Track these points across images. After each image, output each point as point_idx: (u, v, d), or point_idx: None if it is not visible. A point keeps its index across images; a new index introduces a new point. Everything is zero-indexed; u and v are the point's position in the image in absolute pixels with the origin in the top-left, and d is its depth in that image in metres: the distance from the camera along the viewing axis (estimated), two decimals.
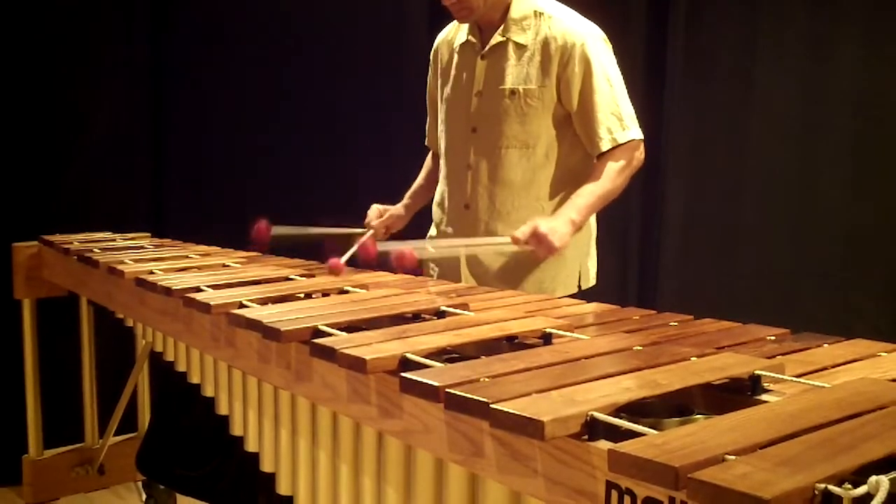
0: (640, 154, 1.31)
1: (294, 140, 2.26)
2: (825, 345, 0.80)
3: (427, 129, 1.53)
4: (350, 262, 1.30)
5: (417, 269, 1.21)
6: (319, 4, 2.25)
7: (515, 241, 1.21)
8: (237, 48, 2.24)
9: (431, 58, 1.47)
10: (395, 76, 2.24)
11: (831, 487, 0.45)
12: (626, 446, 0.51)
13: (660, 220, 2.03)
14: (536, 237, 1.20)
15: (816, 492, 0.45)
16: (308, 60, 2.25)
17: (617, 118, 1.28)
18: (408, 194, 1.53)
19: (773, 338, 0.83)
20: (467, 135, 1.36)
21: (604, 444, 0.55)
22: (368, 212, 1.48)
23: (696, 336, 0.84)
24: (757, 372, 0.67)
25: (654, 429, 0.55)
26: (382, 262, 1.26)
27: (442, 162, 1.44)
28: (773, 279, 1.87)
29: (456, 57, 1.38)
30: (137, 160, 2.21)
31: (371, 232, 1.43)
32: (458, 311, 0.94)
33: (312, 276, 1.22)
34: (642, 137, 1.31)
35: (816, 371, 0.71)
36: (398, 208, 1.51)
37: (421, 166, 1.57)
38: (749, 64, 1.88)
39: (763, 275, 1.89)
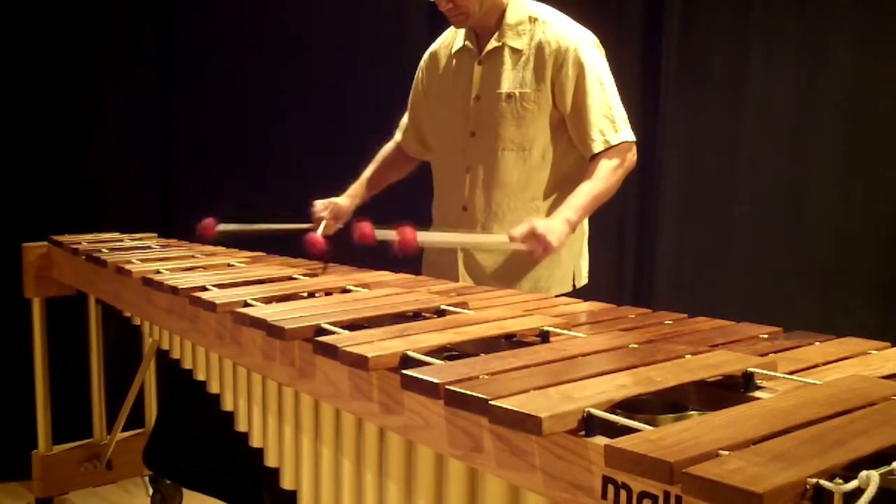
0: (632, 156, 1.32)
1: (298, 142, 2.28)
2: (816, 343, 0.81)
3: (404, 126, 1.52)
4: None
5: (416, 248, 1.19)
6: (323, 9, 2.26)
7: (512, 239, 1.22)
8: (243, 53, 2.26)
9: (427, 61, 1.47)
10: (395, 79, 2.25)
11: (823, 482, 0.45)
12: (622, 442, 0.52)
13: (655, 220, 2.04)
14: (534, 236, 1.21)
15: (808, 486, 0.46)
16: (312, 64, 2.27)
17: (609, 120, 1.29)
18: (356, 184, 1.51)
19: (765, 336, 0.84)
20: (466, 138, 1.37)
21: (600, 440, 0.56)
22: (314, 205, 1.45)
23: (690, 334, 0.84)
24: (750, 369, 0.68)
25: (650, 425, 0.56)
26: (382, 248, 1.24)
27: (436, 165, 1.45)
28: (765, 279, 1.89)
29: (454, 62, 1.40)
30: (145, 162, 2.22)
31: (324, 224, 1.40)
32: (457, 309, 0.95)
33: (315, 275, 1.23)
34: (634, 140, 1.32)
35: (808, 368, 0.72)
36: (342, 199, 1.48)
37: (420, 171, 1.57)
38: (742, 68, 1.91)
39: (756, 274, 1.91)
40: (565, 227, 1.24)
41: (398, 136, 1.55)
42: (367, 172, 1.54)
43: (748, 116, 1.92)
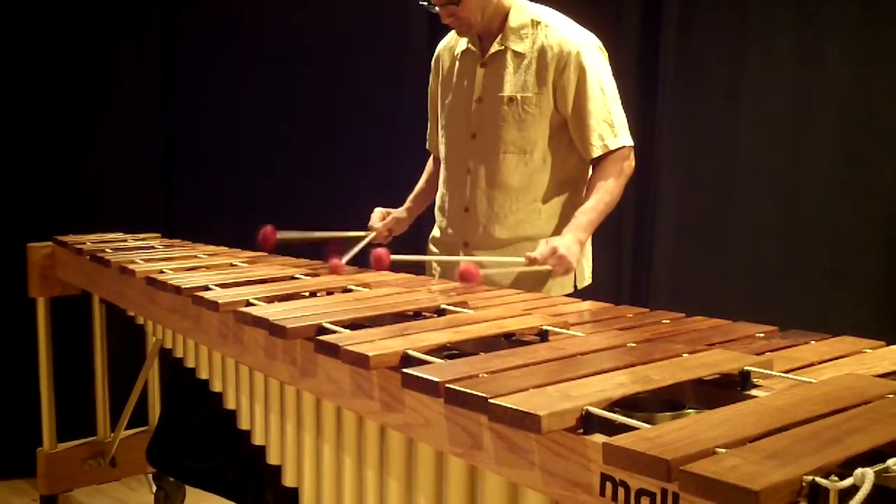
0: (630, 162, 1.34)
1: (300, 144, 2.30)
2: (812, 342, 0.81)
3: (428, 133, 1.55)
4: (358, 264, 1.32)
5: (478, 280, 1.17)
6: (326, 14, 2.27)
7: (532, 260, 1.22)
8: (247, 54, 2.28)
9: (433, 65, 1.49)
10: (396, 84, 2.27)
11: (818, 479, 0.46)
12: (620, 440, 0.53)
13: (653, 221, 2.05)
14: (557, 257, 1.22)
15: (804, 484, 0.46)
16: (315, 66, 2.28)
17: (609, 125, 1.31)
18: (410, 197, 1.55)
19: (761, 335, 0.84)
20: (467, 140, 1.38)
21: (598, 438, 0.57)
22: (372, 215, 1.50)
23: (687, 333, 0.85)
24: (746, 368, 0.68)
25: (647, 423, 0.56)
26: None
27: (443, 166, 1.46)
28: (762, 278, 1.90)
29: (457, 64, 1.41)
30: (148, 163, 2.24)
31: (373, 234, 1.45)
32: (457, 309, 0.96)
33: (317, 275, 1.24)
34: (632, 145, 1.33)
35: (804, 367, 0.72)
36: (400, 211, 1.52)
37: (421, 171, 1.59)
38: (739, 71, 1.92)
39: (752, 274, 1.91)
40: (577, 247, 1.26)
41: (427, 143, 1.56)
42: (418, 186, 1.56)
43: (745, 117, 1.93)
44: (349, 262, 1.31)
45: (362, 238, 1.43)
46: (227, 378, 1.12)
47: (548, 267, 1.23)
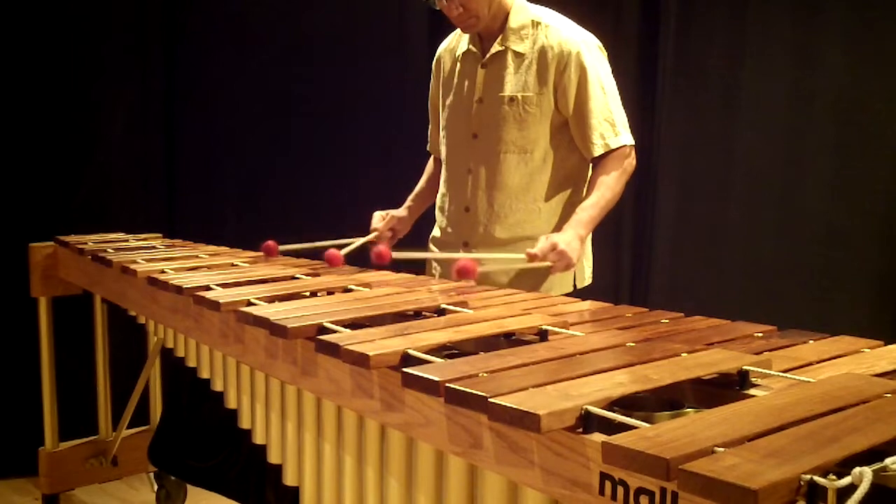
0: (631, 160, 1.34)
1: (300, 144, 2.31)
2: (810, 341, 0.81)
3: (429, 134, 1.55)
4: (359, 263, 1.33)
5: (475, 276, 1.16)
6: (326, 15, 2.27)
7: (532, 257, 1.21)
8: (247, 56, 2.28)
9: (434, 66, 1.50)
10: (396, 84, 2.27)
11: (817, 478, 0.46)
12: (619, 439, 0.53)
13: (651, 221, 2.06)
14: (557, 253, 1.22)
15: (802, 482, 0.46)
16: (313, 69, 2.29)
17: (610, 124, 1.31)
18: (410, 198, 1.55)
19: (760, 334, 0.85)
20: (468, 140, 1.38)
21: (598, 437, 0.57)
22: (372, 218, 1.50)
23: (686, 333, 0.85)
24: (745, 367, 0.69)
25: (647, 422, 0.57)
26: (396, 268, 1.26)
27: (443, 166, 1.46)
28: (760, 278, 1.90)
29: (458, 65, 1.41)
30: (150, 164, 2.25)
31: (375, 234, 1.46)
32: (457, 308, 0.96)
33: (317, 275, 1.24)
34: (633, 143, 1.34)
35: (802, 366, 0.72)
36: (401, 211, 1.53)
37: (421, 172, 1.59)
38: (737, 71, 1.92)
39: (751, 274, 1.92)
40: (578, 243, 1.26)
41: (428, 145, 1.56)
42: (418, 186, 1.56)
43: (743, 118, 1.94)
44: (347, 258, 1.31)
45: (367, 241, 1.43)
46: (229, 377, 1.12)
47: (548, 263, 1.23)
